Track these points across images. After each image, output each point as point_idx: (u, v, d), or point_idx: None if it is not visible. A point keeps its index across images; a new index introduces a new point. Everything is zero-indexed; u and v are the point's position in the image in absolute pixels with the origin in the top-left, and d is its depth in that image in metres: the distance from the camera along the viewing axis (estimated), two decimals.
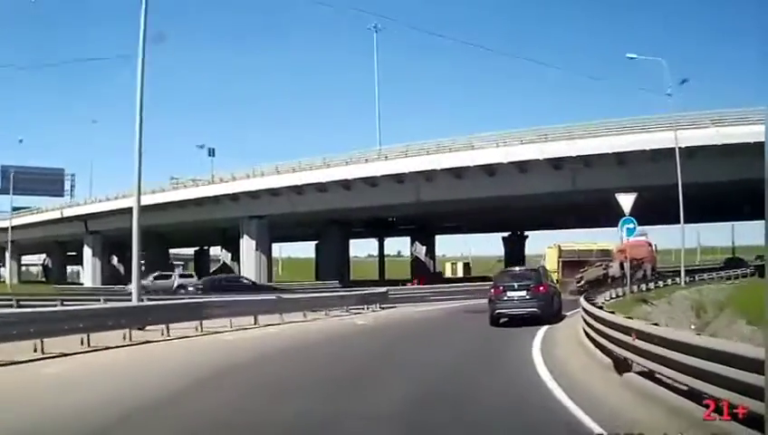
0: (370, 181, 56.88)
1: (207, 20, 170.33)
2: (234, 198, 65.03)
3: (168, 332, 22.19)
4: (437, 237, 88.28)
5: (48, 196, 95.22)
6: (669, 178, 42.64)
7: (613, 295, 31.60)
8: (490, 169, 51.31)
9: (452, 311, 34.94)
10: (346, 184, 57.96)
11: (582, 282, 42.76)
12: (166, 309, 23.97)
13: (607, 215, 61.25)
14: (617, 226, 29.70)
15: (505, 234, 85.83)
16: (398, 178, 55.64)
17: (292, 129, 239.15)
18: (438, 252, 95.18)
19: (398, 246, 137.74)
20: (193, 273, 46.47)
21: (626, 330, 11.83)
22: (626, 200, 28.40)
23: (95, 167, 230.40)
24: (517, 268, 27.82)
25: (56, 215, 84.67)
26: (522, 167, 49.85)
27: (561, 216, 63.25)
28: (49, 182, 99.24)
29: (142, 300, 26.99)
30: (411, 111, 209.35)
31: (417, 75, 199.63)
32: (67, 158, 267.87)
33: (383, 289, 39.35)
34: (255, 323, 26.66)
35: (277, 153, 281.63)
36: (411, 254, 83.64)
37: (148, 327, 22.19)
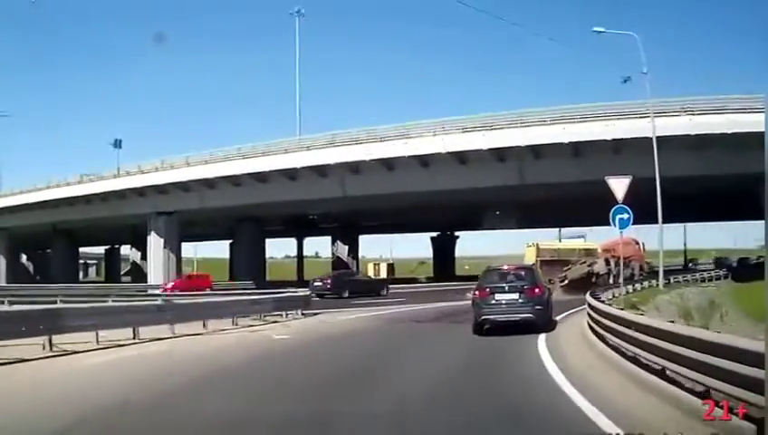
0: (290, 174, 50.90)
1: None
2: (141, 192, 58.45)
3: None
4: (360, 237, 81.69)
5: None
6: (632, 171, 37.07)
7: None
8: (426, 160, 45.64)
9: (393, 319, 27.58)
10: (262, 177, 52.00)
11: (566, 281, 39.97)
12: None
13: (557, 213, 58.00)
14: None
15: (434, 234, 79.60)
16: (322, 170, 49.77)
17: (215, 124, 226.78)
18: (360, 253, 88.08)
19: (317, 246, 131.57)
20: None
21: None
22: (618, 185, 22.29)
23: (13, 162, 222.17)
24: (506, 266, 22.10)
25: None
26: (462, 157, 44.25)
27: (504, 213, 57.10)
28: None
29: None
30: (337, 103, 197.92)
31: (346, 64, 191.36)
32: None
33: (306, 292, 32.27)
34: (135, 338, 19.13)
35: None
36: (332, 254, 76.99)
37: None
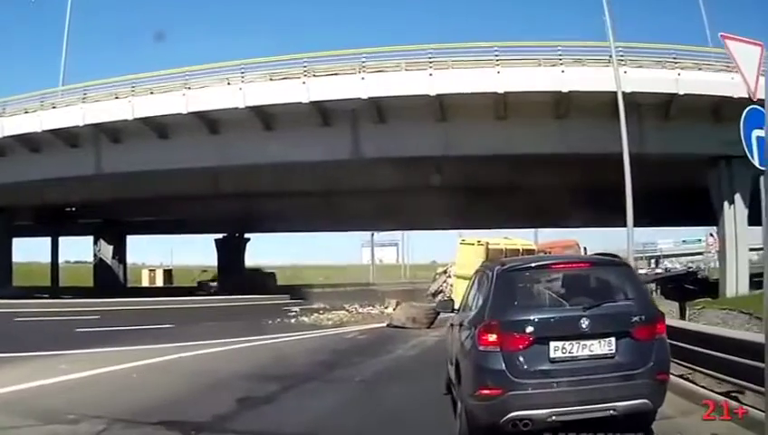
0: (32, 143, 33.97)
1: None
2: None
3: None
4: (138, 238, 64.23)
5: None
6: (524, 147, 25.02)
7: None
8: (215, 121, 29.70)
9: None
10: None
11: None
12: None
13: (405, 206, 43.89)
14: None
15: (220, 235, 61.42)
16: (71, 137, 32.97)
17: None
18: (138, 258, 69.94)
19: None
20: None
21: None
22: (745, 54, 7.33)
23: None
24: (553, 260, 8.19)
25: None
26: (269, 117, 28.70)
27: (324, 205, 40.79)
28: None
29: None
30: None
31: None
32: None
33: None
34: None
35: None
36: (94, 256, 58.23)
37: None
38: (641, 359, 6.44)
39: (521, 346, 6.39)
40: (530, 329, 6.43)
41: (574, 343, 6.41)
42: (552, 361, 6.38)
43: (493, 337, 6.45)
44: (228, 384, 11.44)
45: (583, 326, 6.39)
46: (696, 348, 8.98)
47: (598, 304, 6.63)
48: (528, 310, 6.69)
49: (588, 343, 6.42)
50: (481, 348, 6.53)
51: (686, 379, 8.92)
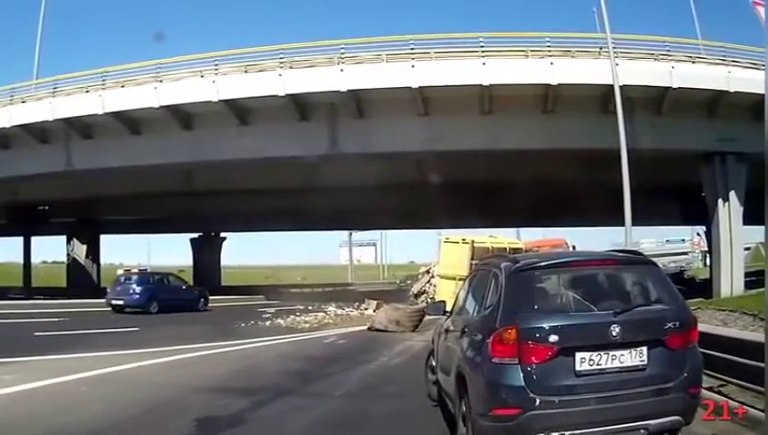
0: (1, 138, 31.83)
1: None
2: None
3: None
4: (117, 238, 59.88)
5: None
6: (511, 141, 24.22)
7: None
8: (187, 116, 27.96)
9: None
10: None
11: None
12: None
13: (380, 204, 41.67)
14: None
15: (195, 234, 58.13)
16: (42, 132, 31.06)
17: None
18: (116, 258, 67.44)
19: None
20: None
21: None
22: None
23: None
24: (573, 258, 6.99)
25: None
26: (243, 111, 26.96)
27: (301, 202, 39.12)
28: None
29: None
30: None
31: None
32: None
33: None
34: None
35: None
36: (68, 255, 55.91)
37: None
38: (674, 371, 5.67)
39: (543, 358, 5.50)
40: (554, 338, 5.49)
41: (603, 353, 5.55)
42: (578, 374, 5.52)
43: (510, 348, 5.53)
44: (189, 400, 9.83)
45: (614, 334, 5.52)
46: (728, 356, 7.92)
47: (629, 309, 5.76)
48: (550, 315, 5.74)
49: (618, 353, 5.58)
50: (495, 360, 5.58)
51: (718, 392, 7.84)
